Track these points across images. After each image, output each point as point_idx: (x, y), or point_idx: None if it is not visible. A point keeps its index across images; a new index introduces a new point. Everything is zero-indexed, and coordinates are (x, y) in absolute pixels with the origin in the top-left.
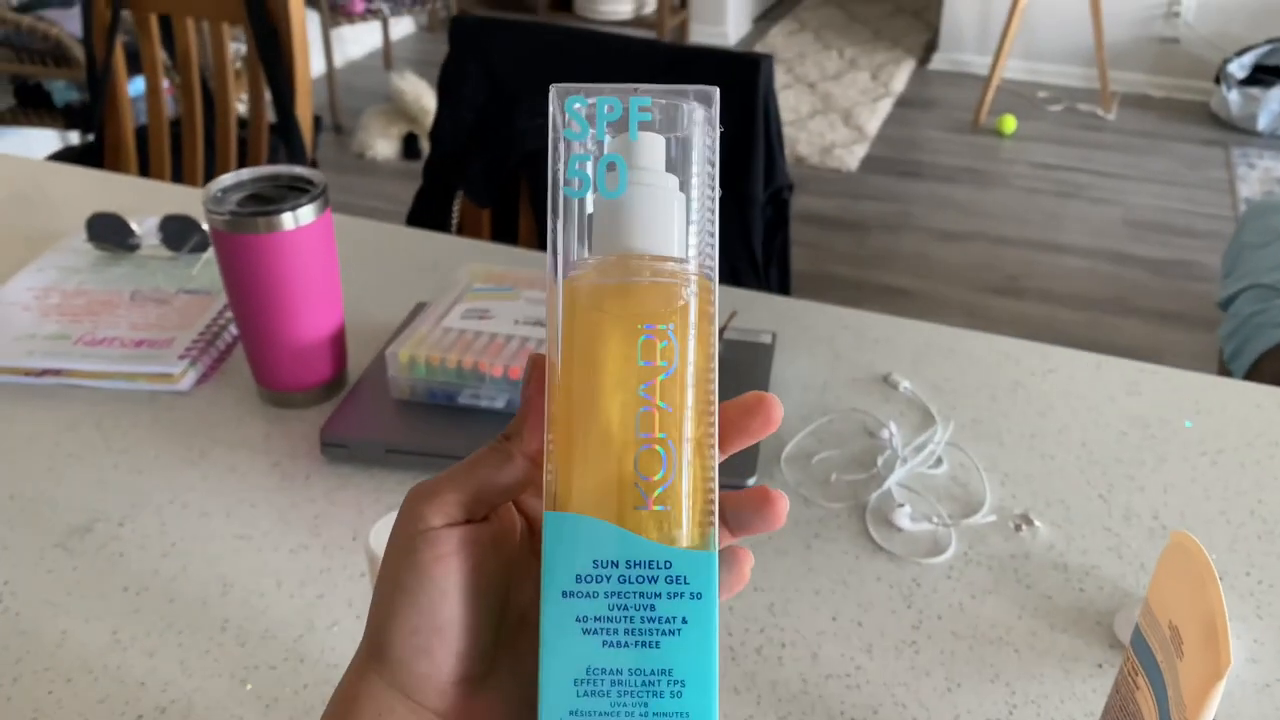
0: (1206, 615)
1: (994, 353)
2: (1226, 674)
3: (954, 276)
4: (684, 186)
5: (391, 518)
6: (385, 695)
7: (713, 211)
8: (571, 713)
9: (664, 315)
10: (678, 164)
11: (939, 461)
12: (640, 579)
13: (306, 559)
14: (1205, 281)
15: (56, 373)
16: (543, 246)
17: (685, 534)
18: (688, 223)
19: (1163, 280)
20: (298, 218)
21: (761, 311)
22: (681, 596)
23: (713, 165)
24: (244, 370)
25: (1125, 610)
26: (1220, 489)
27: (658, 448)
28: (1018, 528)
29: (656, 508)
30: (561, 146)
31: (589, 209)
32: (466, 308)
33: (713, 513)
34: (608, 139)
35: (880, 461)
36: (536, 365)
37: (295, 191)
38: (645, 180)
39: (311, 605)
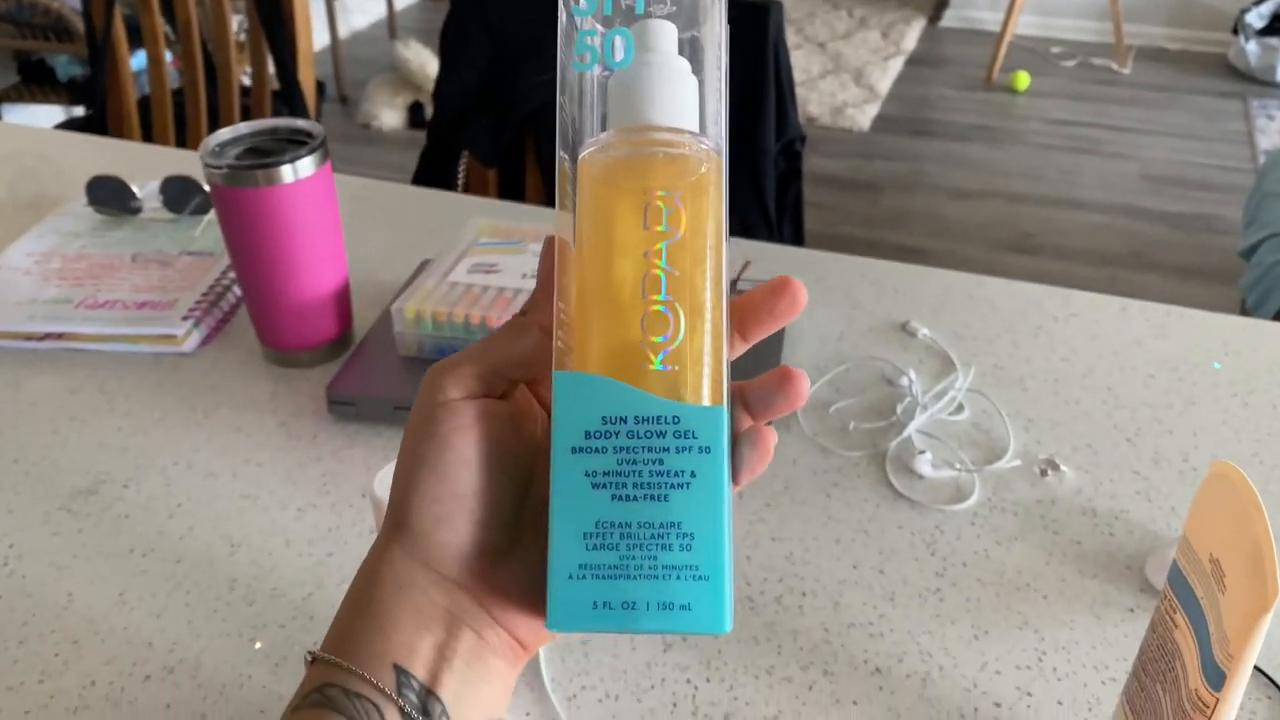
0: (1252, 545)
1: (1015, 298)
2: (1275, 604)
3: (969, 235)
4: (697, 74)
5: (393, 466)
6: (407, 566)
7: (721, 100)
8: (581, 565)
9: (672, 184)
10: (690, 59)
11: (960, 408)
12: (648, 434)
13: (315, 518)
14: (1224, 235)
15: (59, 336)
16: (551, 204)
17: (693, 393)
18: (700, 103)
19: (1181, 234)
20: (297, 170)
21: (776, 263)
22: (690, 450)
23: (722, 58)
24: (248, 331)
25: (1157, 554)
26: (1252, 430)
27: (665, 309)
28: (1043, 473)
29: (664, 367)
30: (572, 31)
31: (597, 97)
32: (473, 262)
33: (722, 377)
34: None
35: (900, 409)
36: (551, 243)
37: (294, 145)
38: (655, 59)
39: (320, 564)
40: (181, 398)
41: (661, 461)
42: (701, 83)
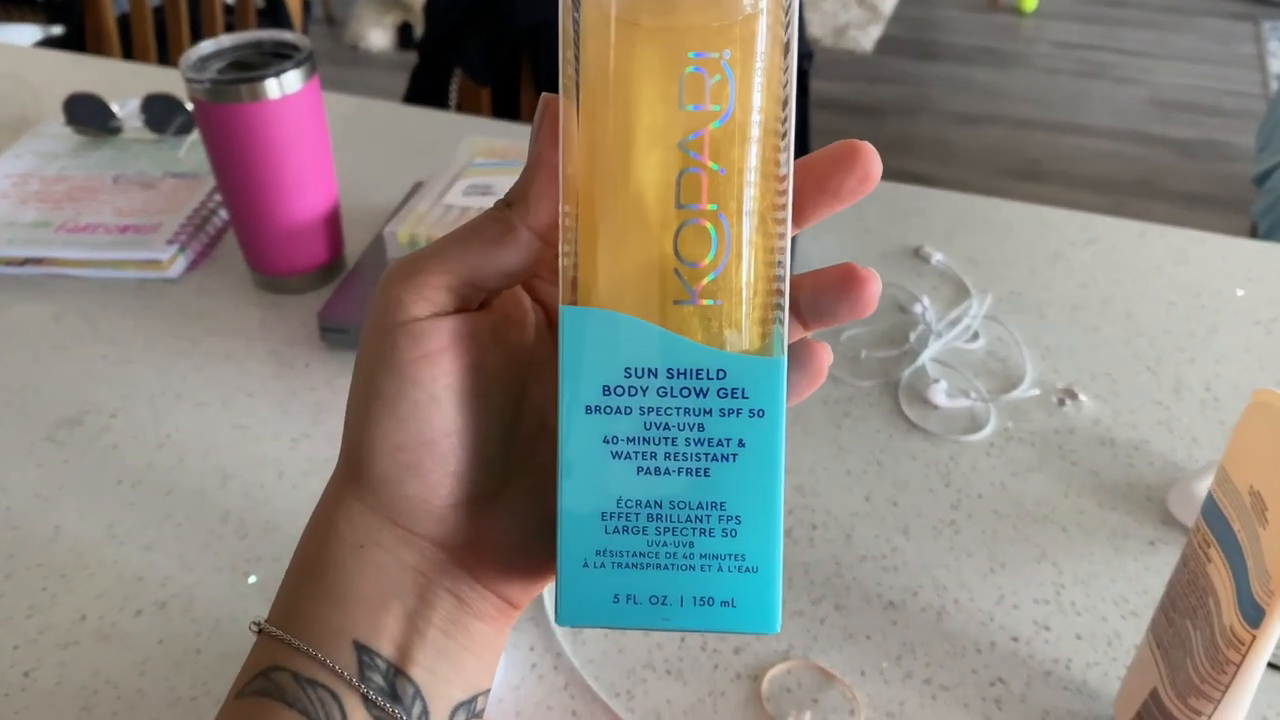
0: None
1: (1031, 223)
2: None
3: (974, 161)
4: None
5: None
6: (367, 521)
7: None
8: (599, 551)
9: (719, 38)
10: None
11: (975, 336)
12: (686, 391)
13: (308, 448)
14: (1235, 161)
15: (39, 261)
16: None
17: (743, 335)
18: None
19: (1191, 161)
20: (283, 84)
21: None
22: (739, 414)
23: None
24: (236, 255)
25: (1179, 485)
26: (1276, 358)
27: (706, 223)
28: (1061, 402)
29: (704, 301)
30: None
31: None
32: (468, 184)
33: (780, 307)
34: None
35: (913, 337)
36: (549, 109)
37: (279, 59)
38: None
39: (315, 496)
40: (168, 325)
41: (702, 427)
42: None
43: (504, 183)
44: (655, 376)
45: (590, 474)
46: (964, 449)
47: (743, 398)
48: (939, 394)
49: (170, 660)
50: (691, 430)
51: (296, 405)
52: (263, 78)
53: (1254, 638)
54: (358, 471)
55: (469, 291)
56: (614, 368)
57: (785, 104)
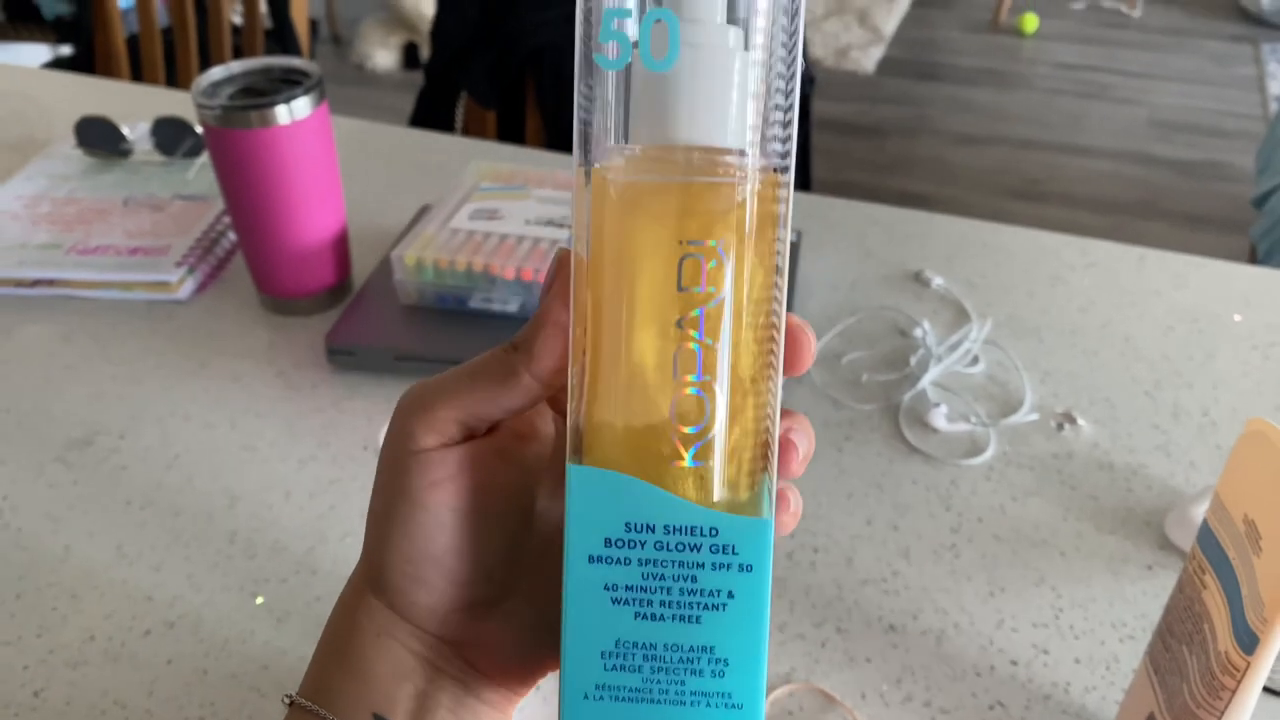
0: None
1: (1031, 247)
2: None
3: (974, 181)
4: (749, 43)
5: None
6: (383, 616)
7: (787, 76)
8: (598, 686)
9: (713, 226)
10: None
11: (975, 360)
12: (680, 546)
13: (316, 469)
14: (1234, 182)
15: (49, 283)
16: (552, 147)
17: (733, 497)
18: (749, 95)
19: (1190, 182)
20: (292, 110)
21: None
22: (729, 568)
23: (791, 37)
24: (244, 278)
25: (1176, 510)
26: (1273, 383)
27: (699, 392)
28: (1060, 427)
29: (698, 463)
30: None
31: (623, 82)
32: (474, 208)
33: (767, 467)
34: None
35: (913, 361)
36: (562, 266)
37: (289, 84)
38: (697, 41)
39: (322, 517)
40: (177, 346)
41: (694, 579)
42: (752, 48)
43: (510, 207)
44: (653, 532)
45: (592, 616)
46: (964, 473)
47: (733, 554)
48: (939, 418)
49: (178, 680)
50: (685, 581)
51: (304, 427)
52: (273, 104)
53: (1249, 664)
54: (375, 577)
55: (475, 423)
56: (615, 522)
57: (778, 273)
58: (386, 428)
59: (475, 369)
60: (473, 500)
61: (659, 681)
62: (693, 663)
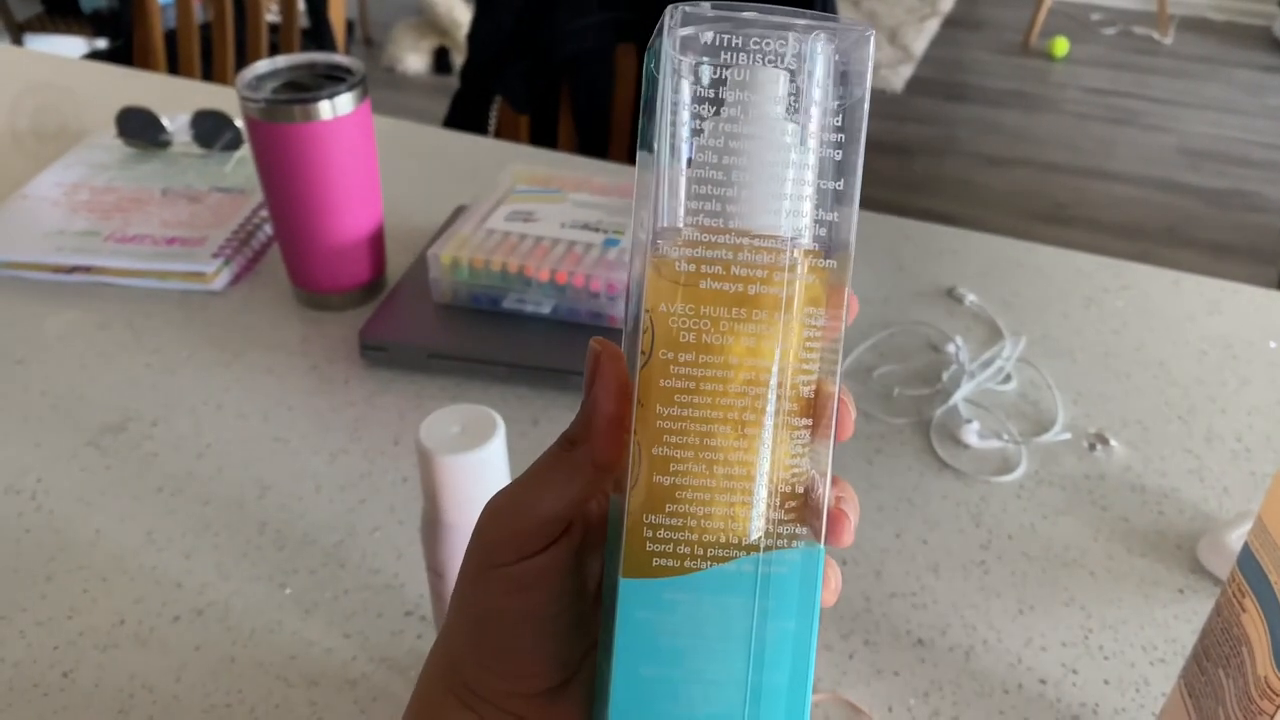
0: None
1: (1065, 268)
2: None
3: (1000, 203)
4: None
5: (442, 413)
6: (468, 699)
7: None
8: None
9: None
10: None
11: (1008, 378)
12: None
13: (346, 463)
14: (1263, 212)
15: (86, 270)
16: (584, 152)
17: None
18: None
19: (1218, 211)
20: (335, 107)
21: None
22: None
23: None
24: (279, 271)
25: (1209, 535)
26: None
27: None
28: (1092, 447)
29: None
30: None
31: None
32: (510, 209)
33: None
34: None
35: (946, 377)
36: (602, 361)
37: (332, 81)
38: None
39: (352, 510)
40: (211, 337)
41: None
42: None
43: (546, 210)
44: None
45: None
46: (994, 490)
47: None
48: (971, 434)
49: (206, 667)
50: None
51: (336, 420)
52: (316, 99)
53: None
54: (455, 670)
55: (549, 528)
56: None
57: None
58: (444, 413)
59: (542, 472)
60: (548, 605)
61: None
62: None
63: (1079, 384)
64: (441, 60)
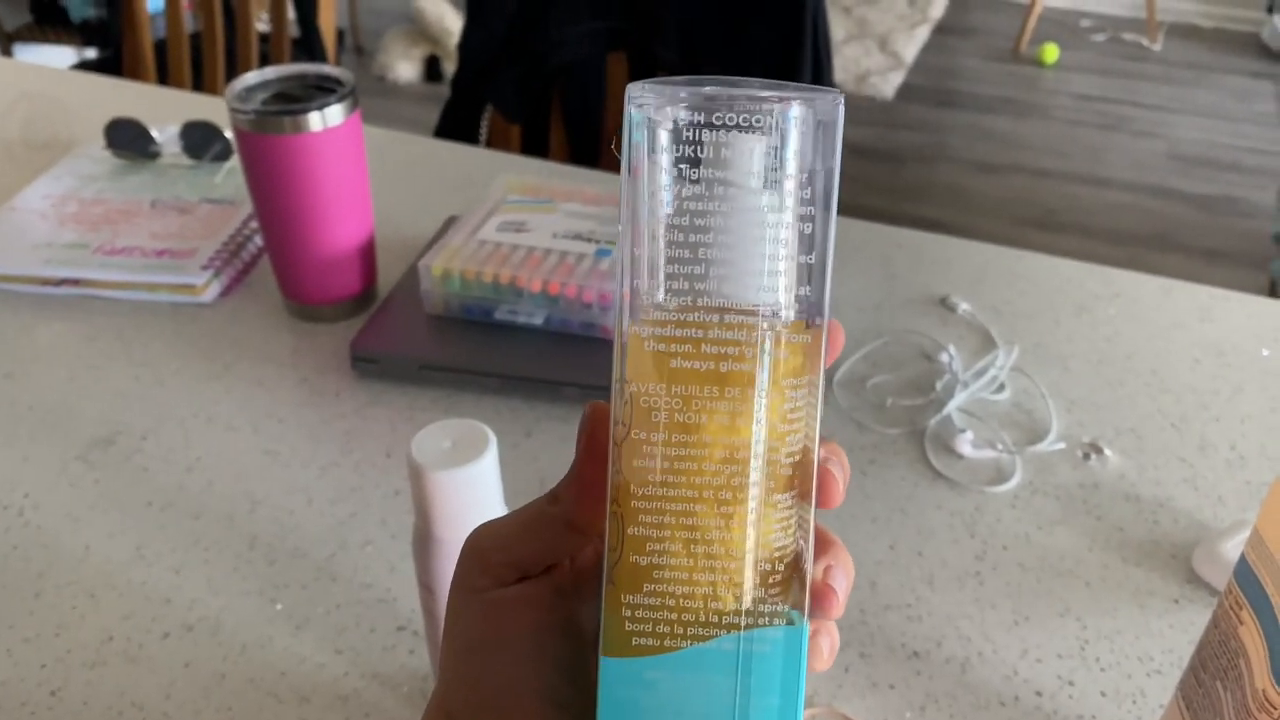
0: None
1: (1056, 276)
2: None
3: (991, 209)
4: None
5: (433, 428)
6: None
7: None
8: None
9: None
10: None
11: (1001, 387)
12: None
13: (337, 476)
14: (1252, 218)
15: (75, 282)
16: (576, 162)
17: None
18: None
19: (1208, 216)
20: (325, 118)
21: None
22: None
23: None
24: (269, 283)
25: (1205, 544)
26: None
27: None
28: (1086, 456)
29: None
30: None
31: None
32: (502, 220)
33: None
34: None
35: (939, 386)
36: (591, 425)
37: (322, 92)
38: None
39: (343, 524)
40: (201, 349)
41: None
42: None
43: (537, 220)
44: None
45: None
46: (989, 500)
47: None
48: (965, 444)
49: (196, 684)
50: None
51: (326, 433)
52: (306, 110)
53: None
54: (450, 711)
55: (530, 567)
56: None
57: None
58: (436, 428)
59: (523, 523)
60: (530, 636)
61: None
62: None
63: (1072, 393)
64: (433, 68)
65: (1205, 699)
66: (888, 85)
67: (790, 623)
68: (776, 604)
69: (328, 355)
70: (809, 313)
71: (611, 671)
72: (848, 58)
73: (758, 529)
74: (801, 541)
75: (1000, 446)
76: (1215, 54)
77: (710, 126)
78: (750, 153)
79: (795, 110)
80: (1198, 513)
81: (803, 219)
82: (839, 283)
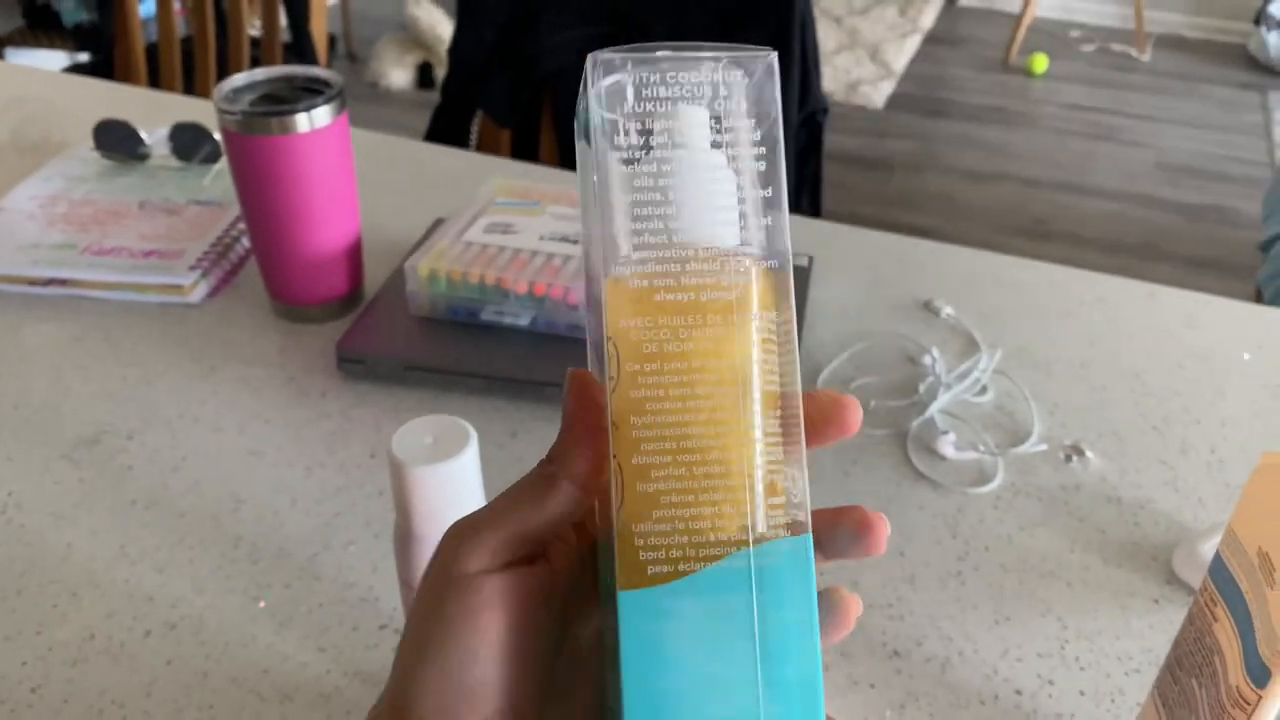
0: None
1: (1040, 281)
2: None
3: (980, 218)
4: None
5: (415, 424)
6: None
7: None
8: None
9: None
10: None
11: (984, 389)
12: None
13: (322, 476)
14: (1239, 228)
15: (63, 282)
16: (566, 166)
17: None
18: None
19: (1195, 225)
20: (313, 119)
21: (797, 233)
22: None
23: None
24: (257, 284)
25: (1184, 545)
26: None
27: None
28: (1068, 458)
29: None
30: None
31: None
32: (489, 222)
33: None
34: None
35: (922, 388)
36: (577, 382)
37: (310, 93)
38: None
39: (327, 524)
40: (188, 349)
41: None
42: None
43: (525, 222)
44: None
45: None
46: (971, 501)
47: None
48: (947, 445)
49: (178, 682)
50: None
51: (312, 433)
52: (293, 111)
53: (1260, 698)
54: (402, 706)
55: (521, 545)
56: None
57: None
58: (418, 423)
59: (515, 488)
60: (509, 634)
61: None
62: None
63: (1055, 395)
64: (425, 75)
65: (1181, 696)
66: (878, 94)
67: (794, 533)
68: (779, 515)
69: (314, 356)
70: (772, 247)
71: (630, 605)
72: (838, 67)
73: (752, 446)
74: (793, 466)
75: (982, 448)
76: (1203, 65)
77: (663, 88)
78: (698, 112)
79: (734, 70)
80: (1178, 514)
81: (756, 158)
82: (822, 287)
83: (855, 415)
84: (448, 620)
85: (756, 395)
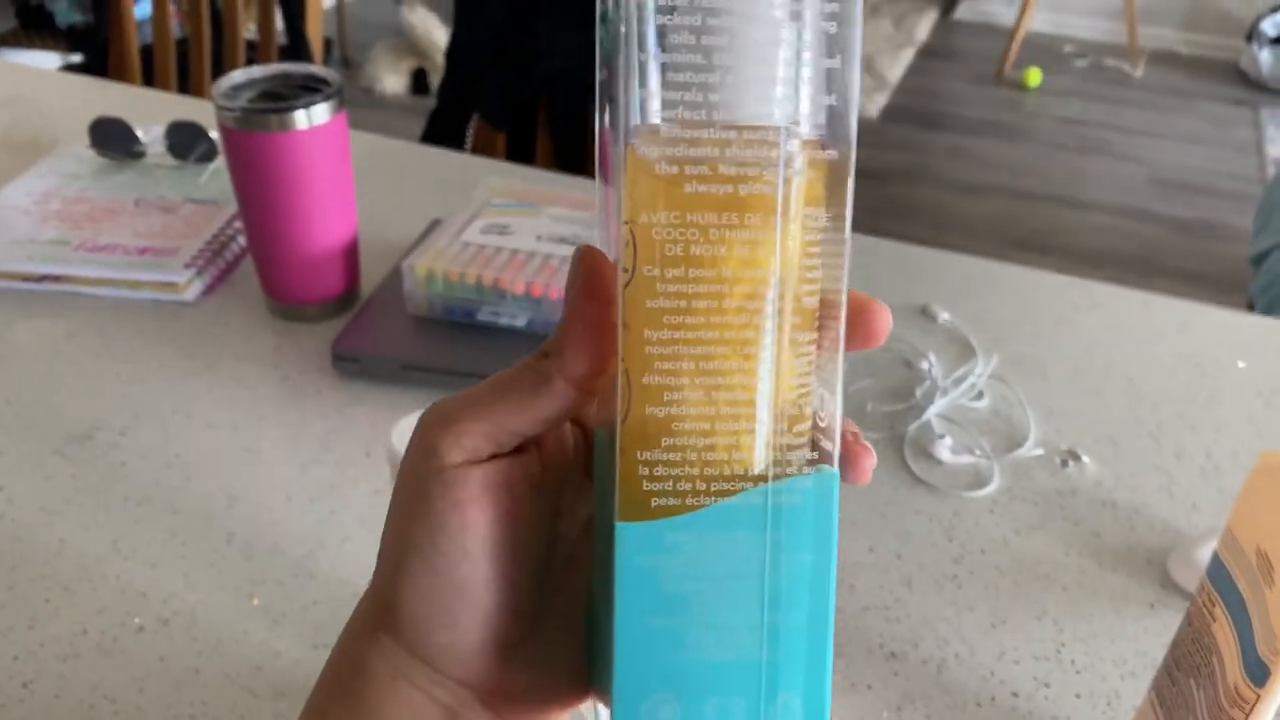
0: None
1: (1036, 288)
2: None
3: (973, 231)
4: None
5: (414, 419)
6: (398, 657)
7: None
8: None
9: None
10: None
11: (980, 394)
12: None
13: (317, 474)
14: (1230, 242)
15: (56, 279)
16: (561, 170)
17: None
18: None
19: (1187, 240)
20: (311, 117)
21: None
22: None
23: None
24: (252, 282)
25: (1180, 550)
26: (1275, 430)
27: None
28: (1064, 463)
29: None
30: None
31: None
32: (486, 223)
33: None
34: None
35: (919, 393)
36: (586, 265)
37: (308, 91)
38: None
39: (322, 521)
40: (182, 347)
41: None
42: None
43: (521, 223)
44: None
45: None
46: (967, 505)
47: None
48: (944, 449)
49: (170, 678)
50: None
51: (307, 432)
52: (292, 109)
53: (1259, 697)
54: (389, 613)
55: (505, 437)
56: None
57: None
58: (405, 447)
59: (505, 379)
60: (498, 527)
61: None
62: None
63: (1050, 401)
64: (420, 81)
65: (1179, 696)
66: (872, 106)
67: (819, 470)
68: (804, 451)
69: (309, 354)
70: (833, 131)
71: (629, 538)
72: None
73: (781, 372)
74: (825, 390)
75: (979, 452)
76: (1195, 81)
77: None
78: None
79: None
80: (1173, 519)
81: (826, 18)
82: None
83: (883, 321)
84: (434, 517)
85: (793, 312)
